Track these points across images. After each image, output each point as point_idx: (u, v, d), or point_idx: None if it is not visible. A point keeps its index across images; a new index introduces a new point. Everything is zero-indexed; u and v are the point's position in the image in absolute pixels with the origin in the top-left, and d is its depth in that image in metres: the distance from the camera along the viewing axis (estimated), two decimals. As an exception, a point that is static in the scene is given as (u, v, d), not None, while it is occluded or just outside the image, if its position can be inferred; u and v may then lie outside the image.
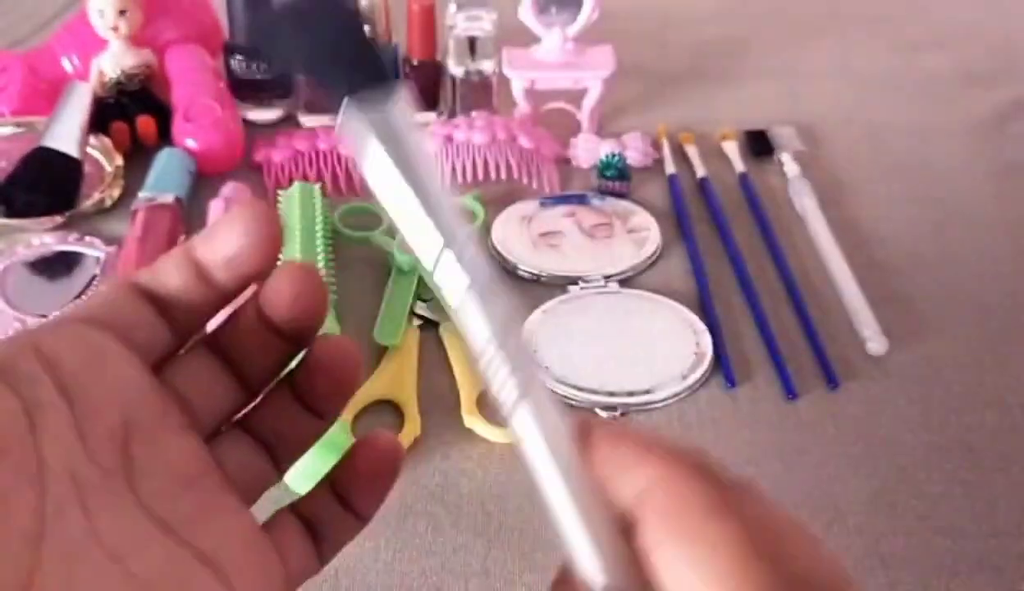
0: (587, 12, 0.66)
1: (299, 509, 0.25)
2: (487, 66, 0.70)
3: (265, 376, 0.25)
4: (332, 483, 0.25)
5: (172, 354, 0.23)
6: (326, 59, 0.23)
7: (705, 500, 0.19)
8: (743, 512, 0.19)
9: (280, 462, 0.25)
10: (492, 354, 0.22)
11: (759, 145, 0.69)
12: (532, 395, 0.22)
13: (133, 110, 0.67)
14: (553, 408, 0.22)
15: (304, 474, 0.43)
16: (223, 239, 0.23)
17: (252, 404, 0.25)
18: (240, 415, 0.25)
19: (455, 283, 0.22)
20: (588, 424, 0.22)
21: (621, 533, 0.20)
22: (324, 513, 0.25)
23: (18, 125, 0.67)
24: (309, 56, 0.24)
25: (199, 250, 0.23)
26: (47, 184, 0.60)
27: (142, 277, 0.23)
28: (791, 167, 0.66)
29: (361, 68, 0.23)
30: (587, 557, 0.21)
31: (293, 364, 0.25)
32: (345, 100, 0.22)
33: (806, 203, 0.62)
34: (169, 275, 0.23)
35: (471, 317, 0.22)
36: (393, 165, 0.22)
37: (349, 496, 0.25)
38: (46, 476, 0.19)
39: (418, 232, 0.22)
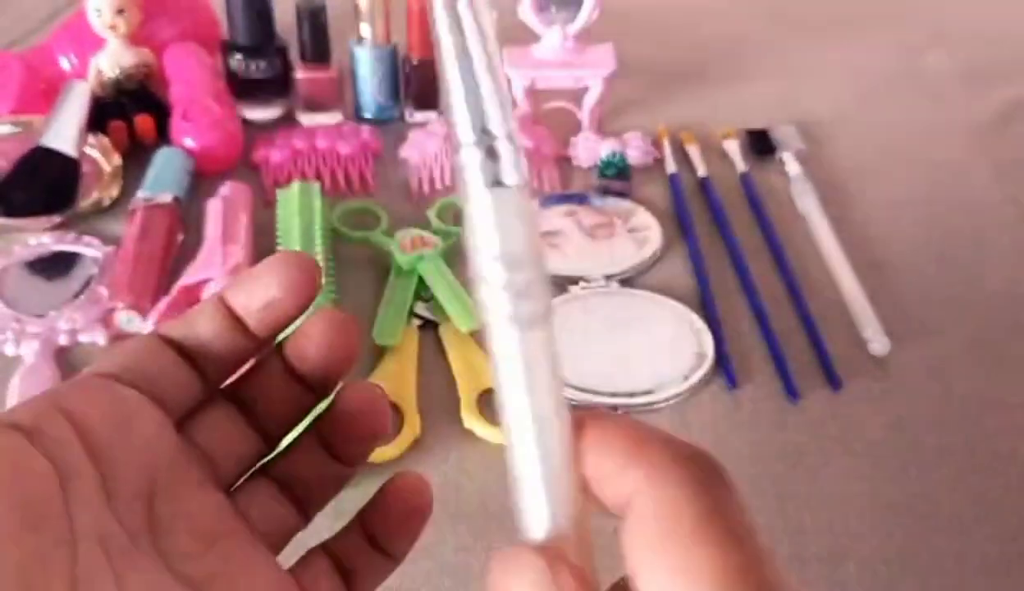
0: (587, 10, 0.66)
1: (330, 549, 0.24)
2: (487, 65, 0.70)
3: (287, 424, 0.24)
4: (362, 523, 0.25)
5: (199, 405, 0.23)
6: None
7: (694, 516, 0.18)
8: (731, 530, 0.18)
9: (306, 508, 0.25)
10: (497, 272, 0.19)
11: (760, 144, 0.69)
12: (533, 332, 0.20)
13: (131, 109, 0.67)
14: (549, 358, 0.20)
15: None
16: (259, 286, 0.22)
17: (275, 452, 0.25)
18: (264, 461, 0.24)
19: (476, 178, 0.19)
20: (581, 418, 0.20)
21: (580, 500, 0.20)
22: (355, 554, 0.25)
23: (16, 124, 0.67)
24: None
25: (233, 297, 0.23)
26: (45, 184, 0.60)
27: (172, 329, 0.23)
28: (792, 166, 0.66)
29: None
30: (540, 508, 0.20)
31: (318, 411, 0.24)
32: None
33: (807, 202, 0.62)
34: (201, 325, 0.23)
35: (485, 222, 0.19)
36: (449, 40, 0.19)
37: (380, 537, 0.25)
38: (77, 542, 0.18)
39: (460, 105, 0.19)
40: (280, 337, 0.24)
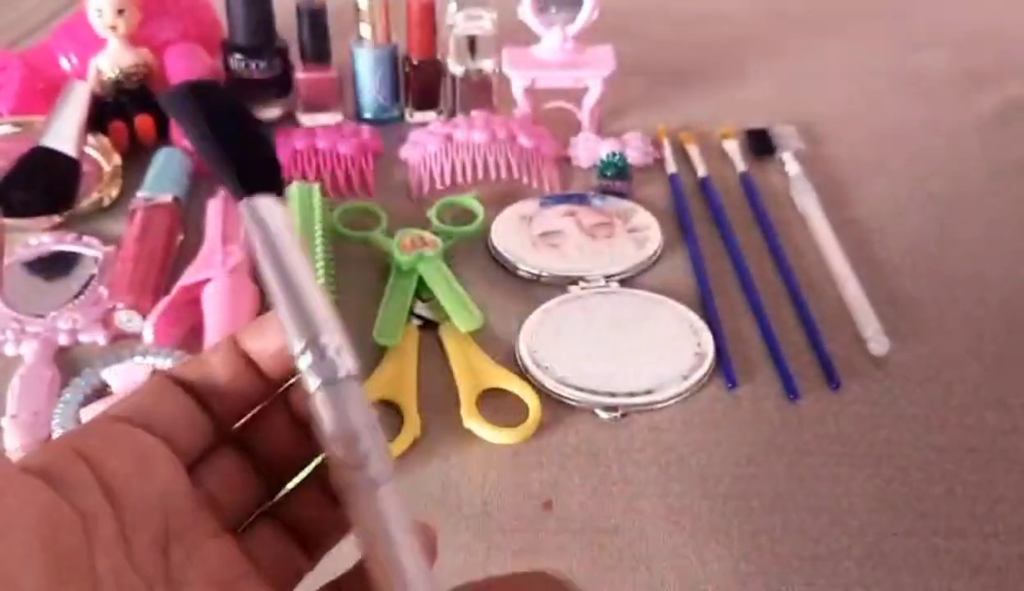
0: (587, 11, 0.66)
1: (341, 588, 0.25)
2: (487, 65, 0.70)
3: (291, 470, 0.25)
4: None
5: (209, 449, 0.23)
6: (225, 151, 0.24)
7: None
8: None
9: (312, 551, 0.25)
10: (338, 444, 0.22)
11: (760, 144, 0.69)
12: (384, 488, 0.22)
13: (132, 109, 0.67)
14: (401, 505, 0.22)
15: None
16: (274, 332, 0.23)
17: (279, 495, 0.25)
18: (269, 505, 0.25)
19: (311, 378, 0.22)
20: None
21: None
22: None
23: (16, 125, 0.67)
24: (212, 142, 0.24)
25: (248, 342, 0.23)
26: (45, 183, 0.60)
27: (187, 371, 0.23)
28: (792, 166, 0.66)
29: (254, 172, 0.24)
30: None
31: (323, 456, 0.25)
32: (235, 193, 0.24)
33: (807, 202, 0.62)
34: (216, 367, 0.23)
35: (322, 411, 0.22)
36: (265, 259, 0.23)
37: None
38: None
39: (286, 320, 0.23)
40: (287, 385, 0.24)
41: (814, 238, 0.60)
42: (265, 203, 0.23)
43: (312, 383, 0.22)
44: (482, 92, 0.70)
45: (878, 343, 0.50)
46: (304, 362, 0.22)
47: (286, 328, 0.22)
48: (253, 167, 0.24)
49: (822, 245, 0.59)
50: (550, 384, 0.48)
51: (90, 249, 0.57)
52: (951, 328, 0.53)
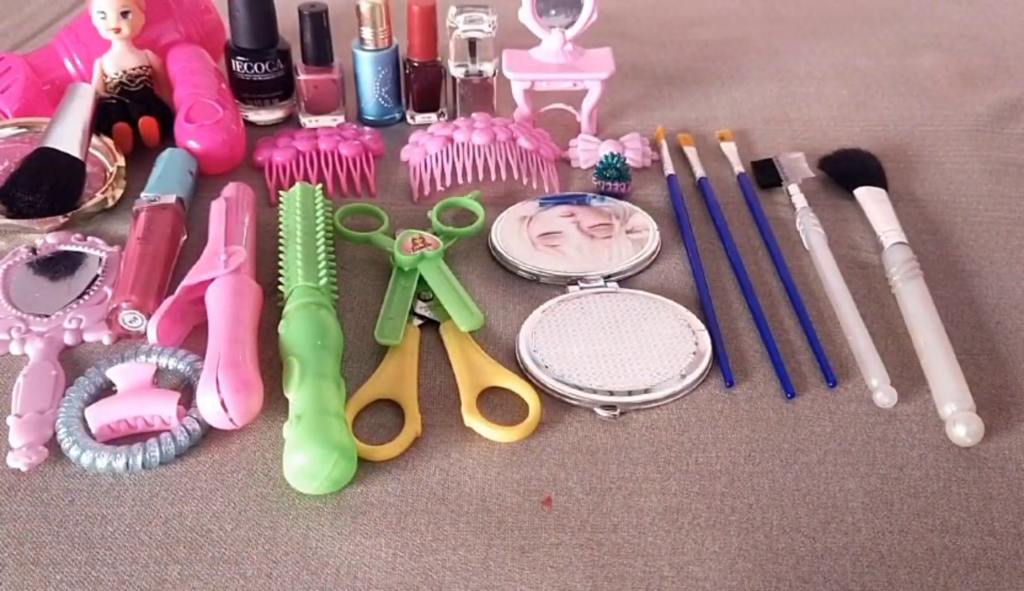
0: (586, 14, 0.67)
1: None
2: (487, 68, 0.70)
3: None
4: None
5: None
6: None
7: None
8: None
9: None
10: None
11: (766, 177, 0.66)
12: None
13: (135, 111, 0.67)
14: None
15: (309, 474, 0.44)
16: None
17: None
18: None
19: None
20: None
21: None
22: None
23: (21, 126, 0.67)
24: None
25: None
26: (50, 184, 0.60)
27: None
28: (799, 198, 0.62)
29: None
30: None
31: None
32: None
33: (807, 223, 0.62)
34: None
35: None
36: None
37: None
38: None
39: None
40: None
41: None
42: None
43: None
44: (482, 94, 0.71)
45: (884, 394, 0.48)
46: None
47: None
48: None
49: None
50: (549, 383, 0.49)
51: (94, 249, 0.58)
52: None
